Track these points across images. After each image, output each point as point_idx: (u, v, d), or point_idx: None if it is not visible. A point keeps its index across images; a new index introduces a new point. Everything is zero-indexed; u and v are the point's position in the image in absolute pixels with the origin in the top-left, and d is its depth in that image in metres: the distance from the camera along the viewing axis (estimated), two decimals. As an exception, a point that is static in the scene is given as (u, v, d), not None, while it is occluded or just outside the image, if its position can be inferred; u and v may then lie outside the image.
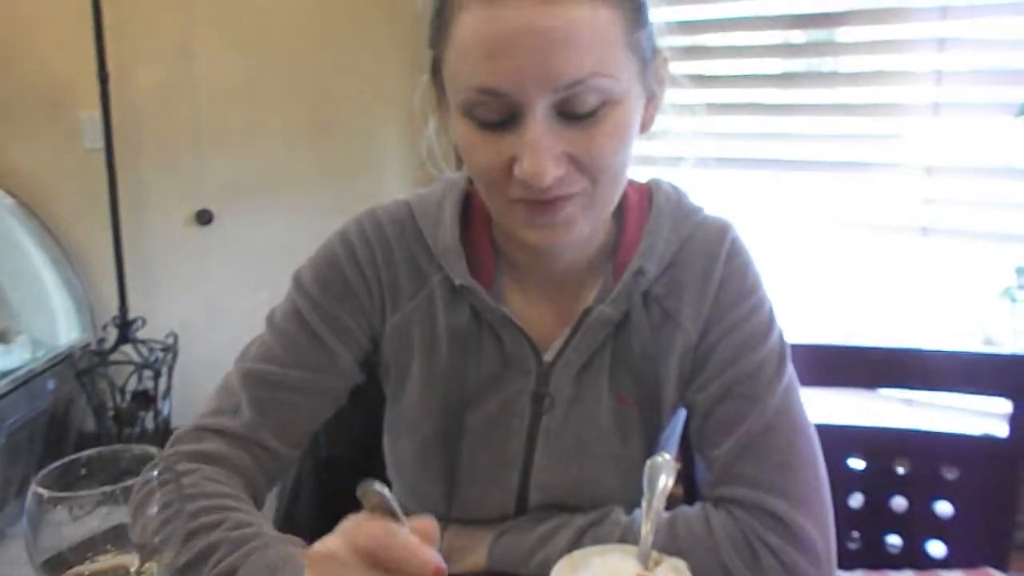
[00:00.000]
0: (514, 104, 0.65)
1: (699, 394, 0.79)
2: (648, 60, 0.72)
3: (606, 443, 0.80)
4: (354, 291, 0.81)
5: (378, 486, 0.53)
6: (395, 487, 0.91)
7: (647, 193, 0.84)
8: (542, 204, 0.69)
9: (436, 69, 0.73)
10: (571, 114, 0.66)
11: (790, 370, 0.79)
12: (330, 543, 0.53)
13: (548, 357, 0.80)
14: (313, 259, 0.84)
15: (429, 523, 0.54)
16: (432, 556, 0.51)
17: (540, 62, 0.63)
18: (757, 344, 0.78)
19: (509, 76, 0.64)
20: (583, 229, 0.73)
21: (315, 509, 0.97)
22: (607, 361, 0.80)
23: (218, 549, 0.67)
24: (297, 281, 0.83)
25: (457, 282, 0.79)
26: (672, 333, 0.79)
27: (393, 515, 0.52)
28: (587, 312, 0.78)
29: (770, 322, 0.80)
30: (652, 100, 0.75)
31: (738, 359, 0.77)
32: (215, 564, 0.66)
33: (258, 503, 0.79)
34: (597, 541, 0.74)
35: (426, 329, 0.81)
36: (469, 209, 0.83)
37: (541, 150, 0.65)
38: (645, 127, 0.75)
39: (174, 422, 2.41)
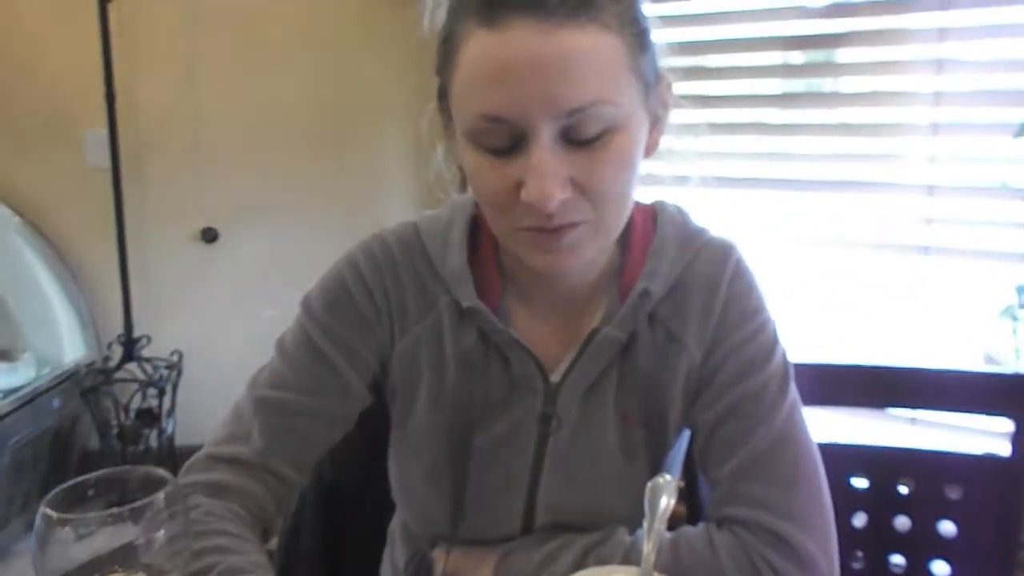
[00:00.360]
0: (519, 130, 0.66)
1: (703, 414, 0.80)
2: (651, 84, 0.72)
3: (612, 464, 0.81)
4: (364, 315, 0.81)
5: None
6: (400, 509, 0.91)
7: (652, 214, 0.84)
8: (548, 231, 0.69)
9: (443, 95, 0.74)
10: (575, 139, 0.67)
11: (794, 390, 0.80)
12: None
13: (555, 378, 0.80)
14: (321, 284, 0.84)
15: None
16: None
17: (543, 89, 0.64)
18: (761, 364, 0.78)
19: (512, 103, 0.65)
20: (588, 254, 0.73)
21: (319, 531, 0.98)
22: (613, 382, 0.81)
23: None
24: (307, 306, 0.83)
25: (464, 304, 0.79)
26: (677, 354, 0.80)
27: None
28: (593, 333, 0.79)
29: (774, 342, 0.80)
30: (656, 124, 0.76)
31: (742, 379, 0.78)
32: None
33: (269, 531, 0.80)
34: (600, 561, 0.74)
35: (433, 351, 0.82)
36: (476, 231, 0.84)
37: (547, 174, 0.66)
38: (650, 151, 0.76)
39: (178, 440, 2.41)
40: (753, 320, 0.80)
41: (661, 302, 0.80)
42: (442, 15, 0.72)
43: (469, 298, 0.79)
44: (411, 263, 0.83)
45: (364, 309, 0.81)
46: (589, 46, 0.65)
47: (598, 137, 0.67)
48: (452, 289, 0.80)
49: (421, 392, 0.82)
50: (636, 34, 0.69)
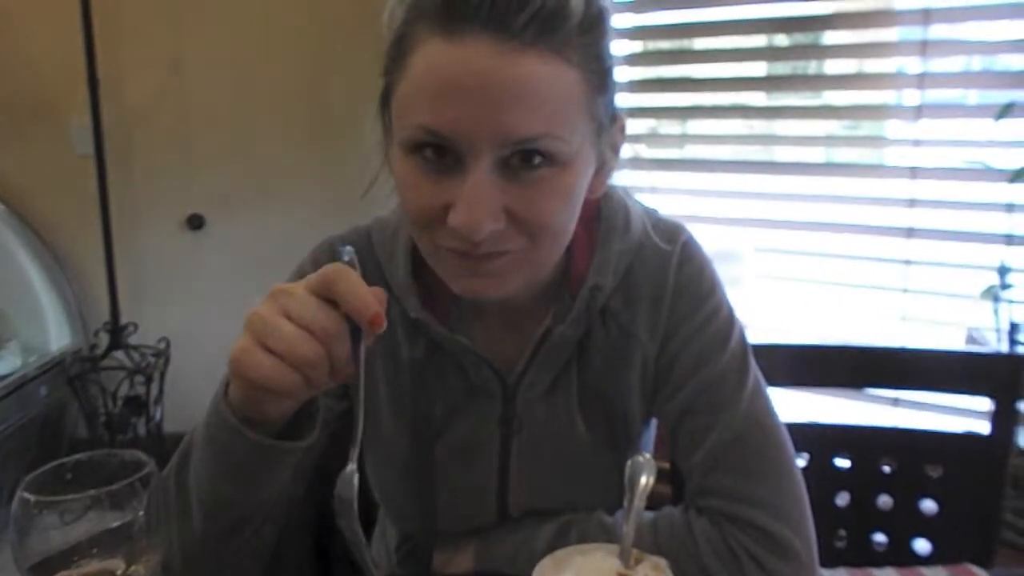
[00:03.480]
0: (458, 150, 0.62)
1: (665, 406, 0.79)
2: (605, 126, 0.69)
3: (580, 460, 0.80)
4: None
5: (348, 250, 0.60)
6: (380, 504, 0.90)
7: (595, 204, 0.79)
8: (472, 257, 0.66)
9: (386, 99, 0.69)
10: (516, 168, 0.63)
11: (754, 372, 0.78)
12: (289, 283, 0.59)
13: (511, 380, 0.79)
14: None
15: (380, 290, 0.59)
16: (373, 302, 0.57)
17: (491, 114, 0.60)
18: (718, 350, 0.77)
19: (457, 122, 0.61)
20: (512, 285, 0.69)
21: (308, 506, 0.98)
22: (573, 380, 0.80)
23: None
24: None
25: (411, 315, 0.77)
26: (631, 348, 0.79)
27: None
28: (546, 334, 0.77)
29: (729, 325, 0.79)
30: (603, 167, 0.72)
31: (700, 369, 0.77)
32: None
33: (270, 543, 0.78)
34: (581, 535, 0.75)
35: (389, 361, 0.80)
36: None
37: (479, 203, 0.62)
38: (594, 191, 0.72)
39: (166, 428, 2.41)
40: (705, 305, 0.78)
41: (612, 293, 0.78)
42: (400, 14, 0.67)
43: (415, 309, 0.77)
44: (361, 272, 0.80)
45: None
46: (547, 76, 0.61)
47: (540, 171, 0.63)
48: (400, 299, 0.78)
49: (381, 400, 0.81)
50: (598, 72, 0.65)
